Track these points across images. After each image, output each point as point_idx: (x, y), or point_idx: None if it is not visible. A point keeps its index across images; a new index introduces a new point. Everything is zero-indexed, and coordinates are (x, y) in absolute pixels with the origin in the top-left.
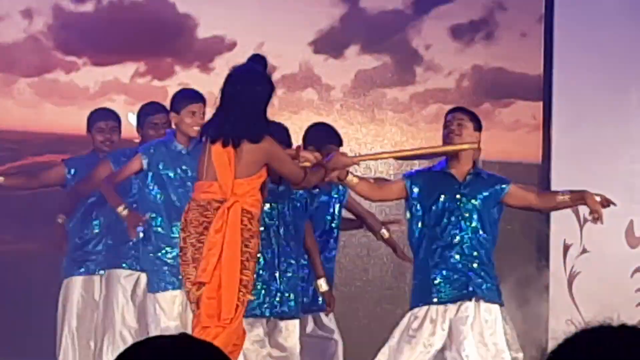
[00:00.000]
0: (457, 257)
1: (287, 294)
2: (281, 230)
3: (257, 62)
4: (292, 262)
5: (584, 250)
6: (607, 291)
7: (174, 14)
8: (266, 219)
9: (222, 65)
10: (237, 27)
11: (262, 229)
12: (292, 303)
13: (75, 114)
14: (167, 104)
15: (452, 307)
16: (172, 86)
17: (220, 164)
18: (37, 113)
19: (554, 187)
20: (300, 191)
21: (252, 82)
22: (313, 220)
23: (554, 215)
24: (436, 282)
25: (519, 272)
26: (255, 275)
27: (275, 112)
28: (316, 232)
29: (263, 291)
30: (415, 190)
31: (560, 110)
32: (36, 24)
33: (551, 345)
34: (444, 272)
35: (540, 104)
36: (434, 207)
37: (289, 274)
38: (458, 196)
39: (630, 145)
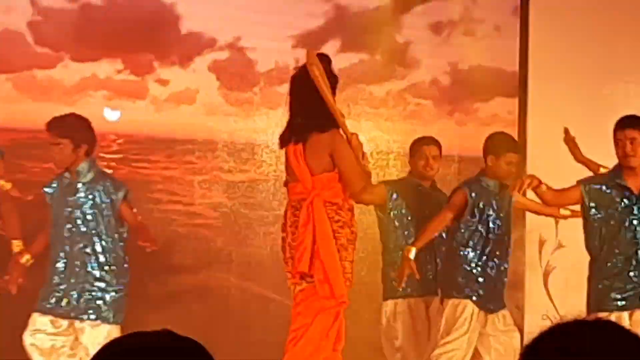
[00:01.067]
0: (633, 269)
1: None
2: None
3: (322, 61)
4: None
5: (560, 246)
6: (583, 286)
7: (153, 10)
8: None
9: (202, 62)
10: (216, 23)
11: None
12: None
13: (54, 110)
14: (146, 99)
15: (624, 315)
16: (151, 82)
17: (295, 164)
18: (16, 109)
19: None
20: None
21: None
22: None
23: None
24: (613, 291)
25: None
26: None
27: (252, 108)
28: None
29: None
30: (587, 198)
31: (536, 105)
32: (15, 19)
33: (527, 340)
34: (620, 284)
35: (516, 99)
36: (610, 220)
37: None
38: (635, 210)
39: (604, 141)
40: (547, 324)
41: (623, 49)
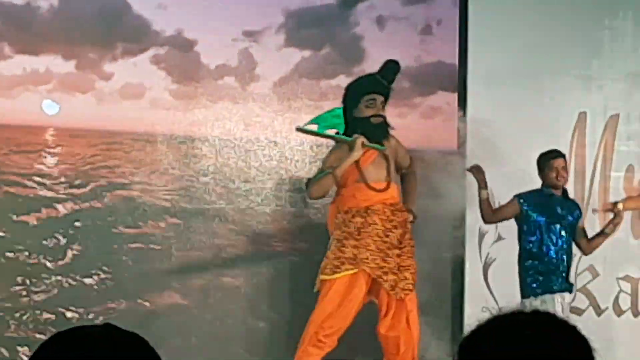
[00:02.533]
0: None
1: None
2: None
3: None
4: None
5: (499, 238)
6: None
7: (97, 3)
8: None
9: (145, 56)
10: (160, 17)
11: None
12: None
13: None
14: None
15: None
16: (97, 75)
17: None
18: None
19: (468, 174)
20: None
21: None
22: None
23: (469, 202)
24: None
25: (436, 260)
26: None
27: (193, 101)
28: None
29: None
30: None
31: (475, 98)
32: None
33: (466, 333)
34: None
35: (456, 93)
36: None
37: None
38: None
39: (544, 133)
40: (486, 315)
41: (564, 42)
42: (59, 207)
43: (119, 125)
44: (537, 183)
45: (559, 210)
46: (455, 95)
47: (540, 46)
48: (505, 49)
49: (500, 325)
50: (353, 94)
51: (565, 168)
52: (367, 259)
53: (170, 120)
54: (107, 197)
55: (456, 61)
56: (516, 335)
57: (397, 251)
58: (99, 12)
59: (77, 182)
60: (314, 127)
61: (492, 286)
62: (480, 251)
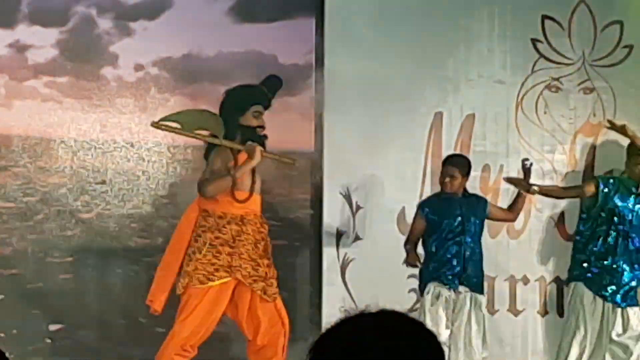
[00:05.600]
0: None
1: None
2: None
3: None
4: None
5: (357, 238)
6: (380, 278)
7: None
8: None
9: None
10: None
11: None
12: None
13: None
14: None
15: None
16: None
17: None
18: None
19: (326, 176)
20: None
21: None
22: None
23: (326, 202)
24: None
25: (293, 260)
26: None
27: (47, 103)
28: None
29: None
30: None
31: (332, 99)
32: None
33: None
34: None
35: (313, 90)
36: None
37: None
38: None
39: (400, 134)
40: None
41: (419, 42)
42: None
43: None
44: (394, 184)
45: (457, 211)
46: (312, 96)
47: (395, 47)
48: (360, 49)
49: (347, 327)
50: (240, 101)
51: (453, 176)
52: (240, 267)
53: (25, 121)
54: None
55: (313, 61)
56: (361, 338)
57: (266, 261)
58: None
59: None
60: (175, 125)
61: (350, 286)
62: (337, 251)
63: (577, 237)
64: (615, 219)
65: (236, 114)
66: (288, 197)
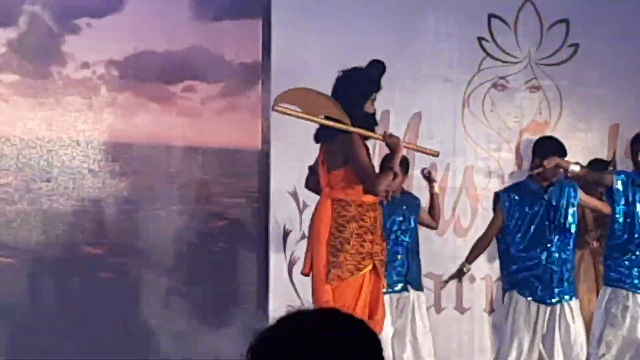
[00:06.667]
0: None
1: None
2: None
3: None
4: None
5: (304, 236)
6: None
7: None
8: None
9: None
10: None
11: None
12: None
13: None
14: None
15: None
16: None
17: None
18: None
19: (273, 173)
20: None
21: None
22: None
23: (273, 201)
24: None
25: (239, 260)
26: None
27: None
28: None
29: None
30: None
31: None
32: None
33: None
34: None
35: (259, 89)
36: None
37: None
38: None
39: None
40: None
41: (367, 41)
42: None
43: None
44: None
45: (399, 210)
46: (260, 92)
47: (343, 45)
48: (307, 48)
49: (285, 325)
50: (366, 88)
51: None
52: (378, 253)
53: None
54: None
55: (259, 58)
56: (298, 334)
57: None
58: None
59: None
60: (295, 108)
61: (297, 284)
62: (285, 250)
63: None
64: None
65: (362, 100)
66: (235, 195)
